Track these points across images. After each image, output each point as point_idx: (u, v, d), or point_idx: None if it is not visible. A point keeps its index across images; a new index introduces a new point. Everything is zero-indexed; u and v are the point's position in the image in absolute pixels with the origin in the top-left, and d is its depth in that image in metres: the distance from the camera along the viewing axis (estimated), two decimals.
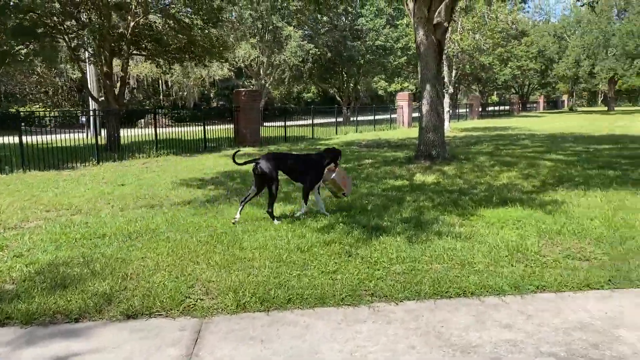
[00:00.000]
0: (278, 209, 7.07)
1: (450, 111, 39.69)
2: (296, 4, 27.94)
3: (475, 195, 8.11)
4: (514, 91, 58.23)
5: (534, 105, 61.38)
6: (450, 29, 22.11)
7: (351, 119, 37.15)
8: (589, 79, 48.71)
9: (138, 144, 16.91)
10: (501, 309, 3.92)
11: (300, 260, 4.92)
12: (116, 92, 17.69)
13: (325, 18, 37.18)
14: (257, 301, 4.05)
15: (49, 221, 6.81)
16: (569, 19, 48.23)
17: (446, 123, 23.97)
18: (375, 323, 3.71)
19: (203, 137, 17.92)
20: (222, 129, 19.25)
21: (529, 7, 66.76)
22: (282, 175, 6.76)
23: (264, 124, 26.61)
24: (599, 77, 44.75)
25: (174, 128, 21.18)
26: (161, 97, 46.69)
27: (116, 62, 21.34)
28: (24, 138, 12.79)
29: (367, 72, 38.12)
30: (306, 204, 6.76)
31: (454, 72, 23.40)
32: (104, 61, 17.14)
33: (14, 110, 21.72)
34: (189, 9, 18.53)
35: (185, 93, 48.62)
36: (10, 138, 13.42)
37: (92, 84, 23.16)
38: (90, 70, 23.23)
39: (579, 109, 60.52)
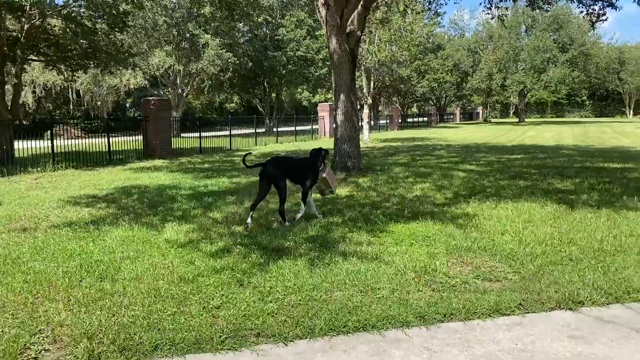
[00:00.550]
0: (264, 215, 6.31)
1: (371, 122, 40.20)
2: (210, 9, 27.07)
3: (387, 209, 7.74)
4: (432, 103, 60.16)
5: (451, 116, 63.73)
6: (367, 40, 22.18)
7: (274, 129, 36.67)
8: (501, 92, 51.18)
9: (37, 157, 15.37)
10: (403, 345, 3.43)
11: (181, 293, 4.23)
12: (8, 102, 16.04)
13: (245, 27, 36.55)
14: (116, 350, 3.32)
15: None
16: (481, 34, 50.55)
17: (366, 134, 23.99)
18: None
19: (108, 149, 16.64)
20: (130, 141, 18.02)
21: (444, 22, 69.50)
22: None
23: (182, 134, 25.47)
24: (510, 90, 47.13)
25: (84, 139, 19.69)
26: (71, 106, 43.89)
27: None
28: None
29: (289, 83, 37.78)
30: (305, 206, 6.98)
31: (372, 83, 23.45)
32: None
33: None
34: (91, 12, 17.23)
35: (99, 102, 46.04)
36: None
37: None
38: None
39: (493, 120, 63.45)
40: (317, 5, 11.98)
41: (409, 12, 19.22)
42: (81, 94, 42.56)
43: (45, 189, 10.51)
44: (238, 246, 5.61)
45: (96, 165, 15.25)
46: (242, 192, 9.40)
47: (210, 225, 6.72)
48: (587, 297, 4.14)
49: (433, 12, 20.41)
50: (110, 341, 3.41)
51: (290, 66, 37.08)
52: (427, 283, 4.47)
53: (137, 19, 29.62)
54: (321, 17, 11.71)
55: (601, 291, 4.23)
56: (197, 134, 21.56)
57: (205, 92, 39.90)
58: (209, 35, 30.14)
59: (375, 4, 15.97)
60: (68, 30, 17.04)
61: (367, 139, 23.72)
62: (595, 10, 13.06)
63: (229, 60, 31.29)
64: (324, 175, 7.03)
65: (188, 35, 31.45)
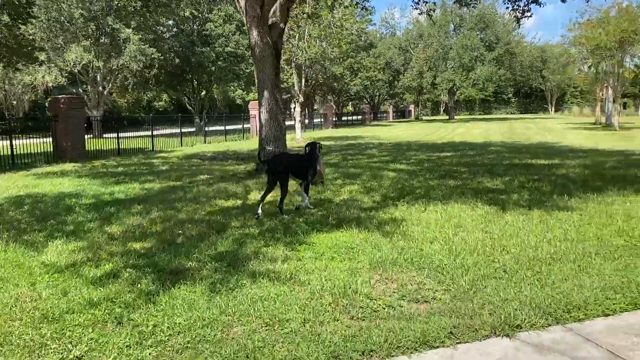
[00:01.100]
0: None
1: (305, 120, 39.64)
2: (125, 0, 25.44)
3: (311, 215, 7.07)
4: (366, 101, 60.46)
5: (384, 114, 64.37)
6: (297, 35, 21.51)
7: (205, 128, 35.32)
8: (432, 90, 52.11)
9: None
10: None
11: (37, 339, 3.35)
12: None
13: (170, 21, 34.96)
14: None
15: None
16: (412, 32, 51.22)
17: (299, 132, 23.35)
18: None
19: (10, 152, 15.02)
20: (39, 143, 16.42)
21: (375, 20, 70.20)
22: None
23: (105, 135, 23.79)
24: (440, 88, 48.03)
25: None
26: None
27: None
28: None
29: (218, 80, 36.49)
30: (308, 196, 7.55)
31: (303, 80, 22.83)
32: None
33: None
34: None
35: (14, 102, 42.83)
36: None
37: None
38: None
39: (425, 117, 64.66)
40: None
41: (337, 6, 18.76)
42: None
43: None
44: (129, 269, 4.75)
45: None
46: (152, 200, 8.45)
47: (103, 242, 5.79)
48: (525, 319, 3.62)
49: (361, 7, 20.02)
50: None
51: (220, 63, 35.84)
52: (345, 309, 3.81)
53: (50, 12, 27.48)
54: (240, 7, 10.89)
55: (539, 311, 3.74)
56: (123, 134, 20.10)
57: (130, 90, 37.82)
58: (130, 30, 28.41)
59: None
60: None
61: (300, 137, 23.08)
62: (520, 6, 13.02)
63: (153, 56, 29.68)
64: (319, 168, 7.56)
65: (108, 29, 29.55)
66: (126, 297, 4.03)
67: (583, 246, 5.29)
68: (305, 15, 18.15)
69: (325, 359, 3.12)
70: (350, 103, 70.07)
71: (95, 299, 3.98)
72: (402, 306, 3.87)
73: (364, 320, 3.64)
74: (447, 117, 54.15)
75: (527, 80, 56.58)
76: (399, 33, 54.45)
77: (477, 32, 45.56)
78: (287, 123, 32.77)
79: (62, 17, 27.96)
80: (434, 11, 13.53)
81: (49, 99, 17.63)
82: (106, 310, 3.78)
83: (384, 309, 3.83)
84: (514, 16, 13.17)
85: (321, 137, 27.73)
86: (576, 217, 6.59)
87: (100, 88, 31.85)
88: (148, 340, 3.33)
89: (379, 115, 62.67)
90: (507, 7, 13.10)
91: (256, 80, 11.15)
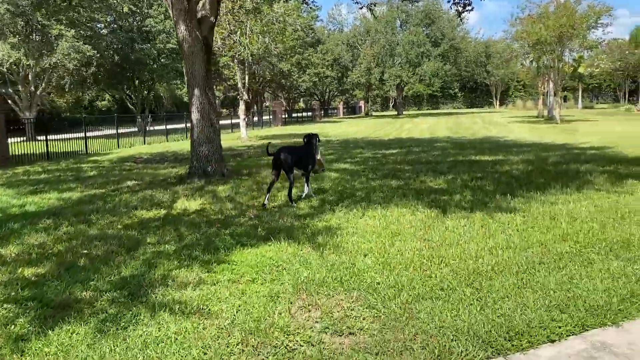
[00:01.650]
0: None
1: (253, 118, 38.77)
2: None
3: (240, 225, 6.46)
4: (317, 98, 60.01)
5: (335, 111, 64.12)
6: (238, 31, 20.71)
7: (148, 128, 33.94)
8: (380, 86, 52.17)
9: None
10: None
11: None
12: None
13: (108, 17, 33.36)
14: None
15: None
16: (359, 28, 51.07)
17: (243, 131, 22.59)
18: None
19: None
20: None
21: (322, 16, 69.71)
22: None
23: (38, 137, 22.23)
24: (388, 84, 48.12)
25: None
26: None
27: None
28: None
29: (160, 77, 35.11)
30: (309, 185, 8.07)
31: (247, 77, 22.04)
32: None
33: None
34: None
35: None
36: None
37: None
38: None
39: (374, 113, 64.82)
40: None
41: (278, 0, 18.12)
42: None
43: None
44: (7, 304, 3.99)
45: None
46: (66, 213, 7.59)
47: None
48: (462, 351, 3.15)
49: (301, 1, 19.41)
50: None
51: (163, 60, 34.50)
52: (255, 350, 3.23)
53: None
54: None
55: (478, 340, 3.27)
56: (62, 136, 18.78)
57: (67, 90, 35.86)
58: (63, 26, 26.75)
59: None
60: None
61: (245, 136, 22.31)
62: (461, 0, 12.77)
63: (89, 54, 28.10)
64: (318, 157, 8.14)
65: (39, 25, 27.75)
66: None
67: (526, 255, 4.91)
68: (244, 11, 17.42)
69: None
70: (301, 100, 69.45)
71: None
72: (323, 342, 3.32)
73: None
74: (396, 113, 54.43)
75: (472, 75, 57.58)
76: (347, 29, 54.27)
77: (423, 28, 45.87)
78: (231, 122, 31.80)
79: None
80: (375, 5, 13.10)
81: None
82: None
83: (302, 346, 3.27)
84: (455, 10, 12.93)
85: (268, 136, 27.03)
86: (519, 219, 6.25)
87: (33, 88, 29.94)
88: None
89: (329, 112, 62.36)
90: (449, 1, 12.75)
91: (186, 78, 10.40)
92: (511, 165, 11.09)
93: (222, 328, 3.51)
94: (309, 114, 53.68)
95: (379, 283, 4.27)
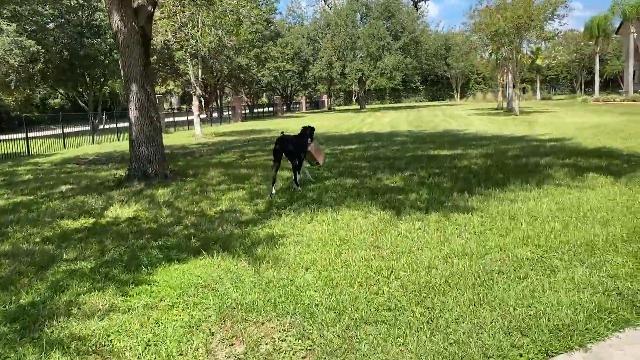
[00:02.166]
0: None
1: (211, 114, 37.74)
2: None
3: (173, 236, 5.80)
4: (279, 92, 59.14)
5: (297, 105, 63.42)
6: (189, 24, 19.81)
7: (100, 126, 32.54)
8: (342, 80, 51.72)
9: None
10: None
11: None
12: None
13: (55, 11, 31.76)
14: None
15: None
16: (320, 22, 50.40)
17: (197, 128, 21.73)
18: None
19: None
20: None
21: (281, 8, 68.68)
22: None
23: None
24: (349, 78, 47.69)
25: None
26: None
27: None
28: None
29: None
30: (298, 174, 8.17)
31: (200, 72, 21.15)
32: None
33: None
34: None
35: None
36: None
37: None
38: None
39: (337, 108, 64.36)
40: None
41: None
42: None
43: None
44: None
45: None
46: None
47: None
48: None
49: None
50: None
51: (115, 55, 32.99)
52: None
53: None
54: None
55: None
56: (3, 136, 17.51)
57: (13, 87, 34.02)
58: (2, 19, 25.18)
59: None
60: None
61: (199, 134, 21.45)
62: None
63: (33, 49, 26.58)
64: (309, 149, 8.42)
65: None
66: None
67: (484, 263, 4.44)
68: (194, 2, 16.59)
69: None
70: (264, 94, 68.39)
71: None
72: None
73: None
74: (358, 107, 54.14)
75: (432, 69, 57.68)
76: (307, 23, 53.47)
77: (383, 22, 45.52)
78: (187, 118, 30.62)
79: None
80: None
81: None
82: None
83: None
84: (412, 2, 12.47)
85: (225, 132, 26.20)
86: (477, 220, 5.80)
87: None
88: None
89: (292, 107, 61.60)
90: None
91: (122, 73, 9.60)
92: (470, 159, 10.72)
93: None
94: (271, 109, 52.84)
95: (317, 304, 3.71)
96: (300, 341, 3.20)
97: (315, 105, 70.00)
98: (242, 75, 38.35)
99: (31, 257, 5.18)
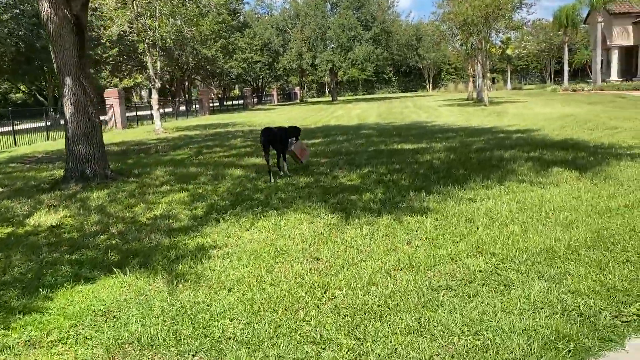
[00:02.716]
0: None
1: (173, 108, 36.65)
2: None
3: (94, 248, 5.15)
4: (250, 84, 58.13)
5: (269, 98, 62.50)
6: (146, 13, 18.91)
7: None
8: (313, 71, 51.01)
9: None
10: None
11: None
12: None
13: (9, 1, 30.28)
14: None
15: None
16: (289, 12, 49.52)
17: (157, 123, 20.87)
18: None
19: None
20: None
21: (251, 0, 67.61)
22: None
23: None
24: (320, 69, 47.00)
25: None
26: None
27: None
28: None
29: None
30: (286, 162, 8.79)
31: (158, 63, 20.26)
32: None
33: None
34: None
35: None
36: None
37: None
38: None
39: (310, 100, 63.62)
40: None
41: None
42: None
43: None
44: None
45: None
46: None
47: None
48: None
49: None
50: None
51: None
52: None
53: None
54: None
55: None
56: None
57: None
58: None
59: None
60: None
61: (160, 128, 20.57)
62: None
63: None
64: (291, 148, 8.73)
65: None
66: None
67: (431, 277, 3.93)
68: None
69: None
70: (236, 87, 67.22)
71: None
72: None
73: None
74: (330, 99, 53.55)
75: (404, 59, 57.34)
76: (277, 13, 52.49)
77: (353, 12, 44.87)
78: (150, 112, 29.48)
79: None
80: None
81: None
82: None
83: None
84: None
85: (189, 126, 25.33)
86: (430, 223, 5.29)
87: None
88: None
89: (263, 99, 60.66)
90: None
91: (55, 65, 8.81)
92: (433, 154, 10.24)
93: None
94: (242, 101, 51.82)
95: (230, 338, 3.13)
96: None
97: (287, 97, 69.19)
98: (208, 67, 37.32)
99: None
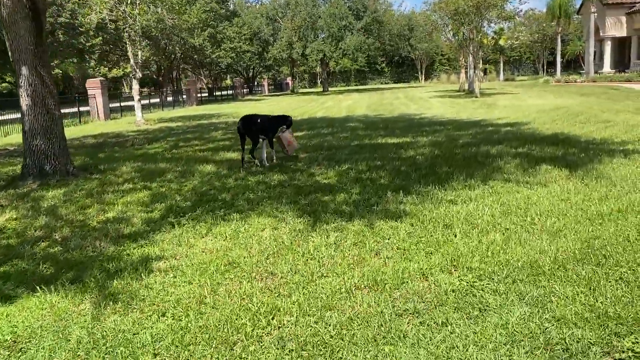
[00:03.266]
0: None
1: (161, 98, 35.85)
2: None
3: (27, 258, 4.61)
4: (241, 74, 57.28)
5: (260, 88, 61.70)
6: (127, 1, 18.19)
7: None
8: (304, 61, 50.27)
9: None
10: None
11: None
12: None
13: None
14: None
15: None
16: (279, 0, 48.65)
17: (138, 114, 20.23)
18: None
19: None
20: None
21: None
22: None
23: None
24: (311, 59, 46.25)
25: None
26: None
27: None
28: None
29: (54, 55, 31.48)
30: (273, 149, 9.00)
31: (139, 52, 19.57)
32: None
33: None
34: None
35: None
36: None
37: None
38: None
39: (301, 90, 62.87)
40: None
41: None
42: None
43: None
44: None
45: None
46: None
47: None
48: None
49: None
50: None
51: (62, 35, 30.86)
52: None
53: None
54: None
55: None
56: None
57: None
58: None
59: None
60: None
61: (141, 120, 19.93)
62: None
63: None
64: (282, 133, 8.89)
65: None
66: None
67: (397, 297, 3.42)
68: None
69: None
70: (228, 77, 66.25)
71: None
72: None
73: None
74: (322, 89, 52.85)
75: (396, 50, 56.64)
76: (267, 1, 51.59)
77: (345, 1, 44.13)
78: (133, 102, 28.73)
79: None
80: None
81: None
82: None
83: None
84: None
85: (173, 117, 24.65)
86: (405, 230, 4.79)
87: None
88: None
89: (254, 90, 59.82)
90: None
91: (10, 53, 8.19)
92: (417, 149, 9.72)
93: None
94: (231, 92, 51.00)
95: None
96: None
97: (279, 87, 68.35)
98: (195, 56, 36.54)
99: None
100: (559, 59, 40.56)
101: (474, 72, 29.36)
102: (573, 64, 54.59)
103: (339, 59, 46.99)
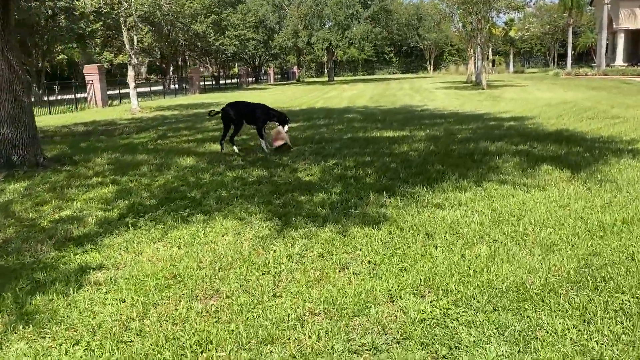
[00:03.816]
0: None
1: (164, 86, 35.39)
2: None
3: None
4: (247, 62, 56.62)
5: (266, 77, 61.04)
6: None
7: (45, 98, 30.07)
8: (310, 50, 49.55)
9: None
10: None
11: None
12: None
13: None
14: None
15: None
16: None
17: (134, 101, 19.76)
18: None
19: None
20: None
21: None
22: None
23: None
24: (316, 47, 45.50)
25: None
26: None
27: None
28: None
29: (54, 40, 31.02)
30: (263, 139, 8.90)
31: (135, 38, 19.04)
32: None
33: None
34: None
35: None
36: None
37: None
38: None
39: (307, 79, 62.17)
40: None
41: None
42: None
43: None
44: None
45: None
46: None
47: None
48: None
49: None
50: None
51: (63, 20, 30.38)
52: None
53: None
54: None
55: None
56: None
57: None
58: None
59: None
60: None
61: (136, 108, 19.46)
62: None
63: None
64: (278, 128, 8.82)
65: None
66: None
67: (356, 326, 2.90)
68: None
69: None
70: (236, 65, 65.57)
71: None
72: None
73: None
74: (327, 79, 52.13)
75: (404, 39, 55.79)
76: None
77: None
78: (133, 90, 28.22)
79: None
80: None
81: None
82: None
83: None
84: None
85: (171, 106, 24.15)
86: (381, 239, 4.26)
87: None
88: None
89: (260, 78, 59.16)
90: None
91: None
92: (412, 144, 9.16)
93: None
94: (236, 80, 50.40)
95: None
96: None
97: (285, 76, 67.61)
98: (199, 43, 35.95)
99: None
100: (570, 51, 39.61)
101: (482, 63, 28.59)
102: (585, 57, 53.48)
103: (345, 48, 46.23)
